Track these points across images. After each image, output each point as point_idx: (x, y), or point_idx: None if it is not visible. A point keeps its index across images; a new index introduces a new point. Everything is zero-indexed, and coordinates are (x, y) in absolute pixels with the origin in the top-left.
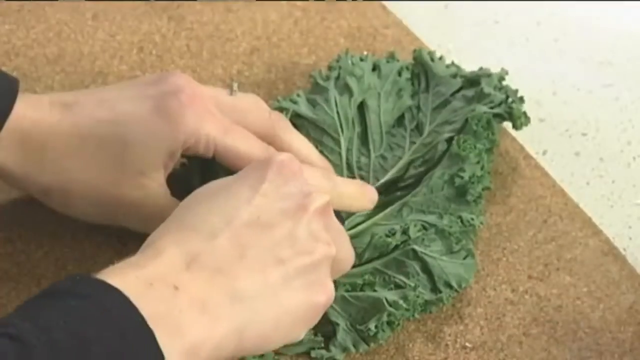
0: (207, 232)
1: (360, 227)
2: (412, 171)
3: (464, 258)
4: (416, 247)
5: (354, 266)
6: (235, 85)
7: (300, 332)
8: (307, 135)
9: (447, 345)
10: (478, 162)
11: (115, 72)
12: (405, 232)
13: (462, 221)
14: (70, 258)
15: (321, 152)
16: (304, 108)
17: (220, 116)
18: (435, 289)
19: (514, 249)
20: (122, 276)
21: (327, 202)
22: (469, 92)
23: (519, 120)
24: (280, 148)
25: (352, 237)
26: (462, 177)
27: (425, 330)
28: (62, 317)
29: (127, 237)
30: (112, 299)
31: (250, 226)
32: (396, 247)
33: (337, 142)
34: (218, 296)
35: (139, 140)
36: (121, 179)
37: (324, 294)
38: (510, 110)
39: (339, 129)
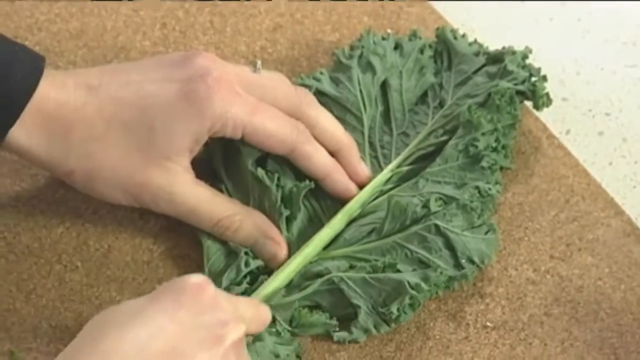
0: None
1: (376, 201)
2: (432, 140)
3: (486, 233)
4: (438, 222)
5: (375, 240)
6: (258, 63)
7: None
8: (330, 113)
9: (468, 324)
10: (493, 133)
11: (138, 48)
12: (425, 205)
13: (479, 192)
14: (91, 233)
15: (350, 125)
16: (327, 86)
17: (246, 96)
18: (457, 265)
19: (536, 229)
20: None
21: (243, 332)
22: (492, 69)
23: (541, 99)
24: (307, 124)
25: (370, 212)
26: (476, 147)
27: (446, 310)
28: None
29: (149, 214)
30: None
31: (164, 357)
32: (416, 220)
33: (360, 121)
34: None
35: (165, 125)
36: (146, 163)
37: None
38: (534, 88)
39: (362, 107)
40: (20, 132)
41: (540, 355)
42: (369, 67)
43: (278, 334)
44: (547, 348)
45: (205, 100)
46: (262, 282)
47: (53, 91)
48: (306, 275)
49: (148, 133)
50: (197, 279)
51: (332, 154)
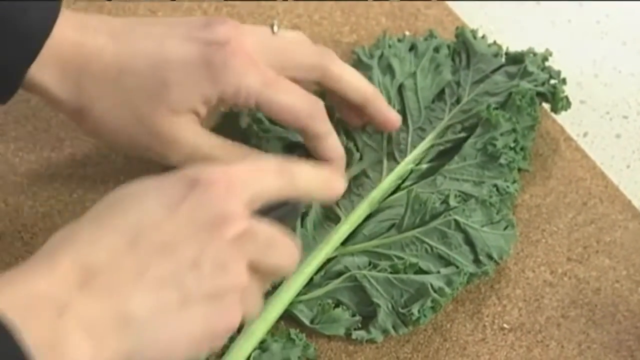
0: (109, 248)
1: (394, 196)
2: (450, 136)
3: (505, 229)
4: (458, 218)
5: (395, 235)
6: (275, 23)
7: (196, 356)
8: None
9: (485, 326)
10: (511, 133)
11: None
12: (445, 200)
13: (497, 189)
14: None
15: (363, 129)
16: None
17: (264, 68)
18: (477, 261)
19: (554, 231)
20: (10, 292)
21: (243, 230)
22: (512, 69)
23: (561, 102)
24: (330, 80)
25: (389, 207)
26: (494, 145)
27: (464, 311)
28: None
29: None
30: None
31: (156, 248)
32: (436, 215)
33: None
34: (108, 319)
35: (178, 82)
36: (154, 114)
37: (223, 323)
38: (554, 90)
39: None
40: (36, 70)
41: (557, 358)
42: (388, 69)
43: (292, 340)
44: (564, 350)
45: (221, 67)
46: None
47: (72, 32)
48: (327, 275)
49: (160, 86)
50: (209, 175)
51: (360, 107)
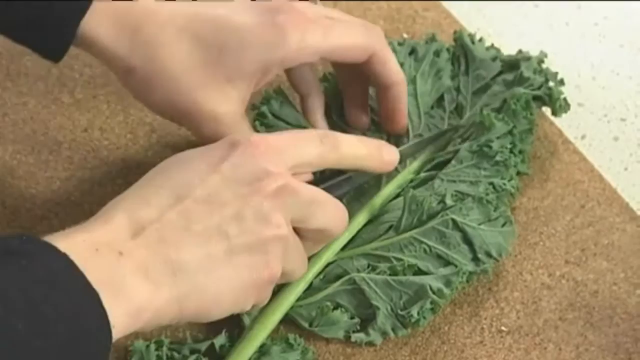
0: (158, 204)
1: (392, 202)
2: (451, 147)
3: (503, 225)
4: (455, 217)
5: (394, 236)
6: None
7: (242, 305)
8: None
9: (482, 328)
10: (507, 135)
11: None
12: (441, 200)
13: (494, 187)
14: None
15: (364, 133)
16: None
17: (318, 18)
18: (475, 259)
19: (551, 234)
20: (70, 240)
21: (284, 184)
22: (509, 76)
23: (558, 103)
24: (375, 67)
25: (387, 212)
26: (490, 147)
27: (462, 314)
28: (13, 276)
29: None
30: (58, 263)
31: (200, 203)
32: (433, 215)
33: (377, 124)
34: (160, 266)
35: (237, 47)
36: (207, 82)
37: (266, 272)
38: (550, 92)
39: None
40: (90, 24)
41: None
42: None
43: (290, 345)
44: (562, 353)
45: (281, 31)
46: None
47: None
48: (327, 278)
49: (218, 52)
50: (247, 138)
51: (385, 91)
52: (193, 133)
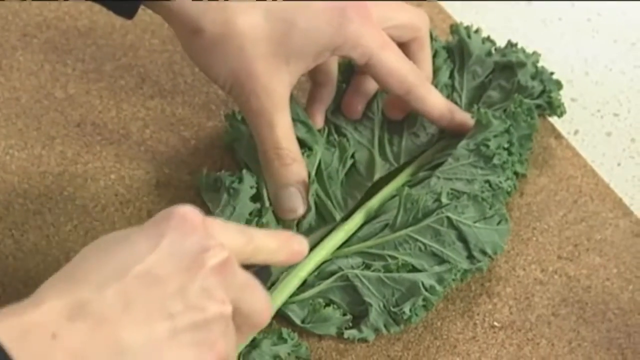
0: (95, 283)
1: (389, 202)
2: (449, 150)
3: (498, 223)
4: (450, 215)
5: (389, 234)
6: None
7: None
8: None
9: (475, 324)
10: (504, 134)
11: (147, 46)
12: (437, 199)
13: (490, 185)
14: (99, 231)
15: (354, 128)
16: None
17: (380, 30)
18: (470, 257)
19: (544, 229)
20: (2, 322)
21: (226, 258)
22: (505, 83)
23: (559, 109)
24: (416, 43)
25: (383, 212)
26: (487, 146)
27: (454, 309)
28: None
29: (157, 212)
30: None
31: (142, 279)
32: (428, 213)
33: (371, 120)
34: (98, 349)
35: (305, 25)
36: (269, 55)
37: (212, 353)
38: (550, 100)
39: (375, 108)
40: None
41: (547, 356)
42: None
43: (283, 340)
44: (555, 348)
45: (347, 20)
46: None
47: None
48: (320, 275)
49: (286, 28)
50: (183, 209)
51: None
52: (239, 105)
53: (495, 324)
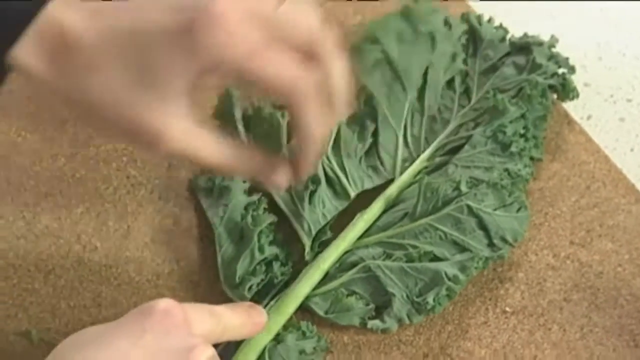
0: None
1: (407, 189)
2: (463, 132)
3: (517, 211)
4: (470, 203)
5: (409, 224)
6: None
7: None
8: (381, 77)
9: (487, 309)
10: (520, 119)
11: None
12: (456, 187)
13: (509, 173)
14: (111, 214)
15: (387, 97)
16: (392, 45)
17: (250, 36)
18: (491, 245)
19: (557, 214)
20: None
21: (211, 356)
22: (520, 60)
23: (572, 92)
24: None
25: (402, 200)
26: (504, 133)
27: (466, 294)
28: None
29: (168, 194)
30: None
31: None
32: (448, 201)
33: (405, 94)
34: None
35: (160, 61)
36: (142, 102)
37: None
38: (565, 82)
39: (405, 82)
40: (25, 52)
41: (559, 341)
42: (431, 40)
43: (303, 333)
44: (566, 334)
45: (201, 36)
46: (283, 274)
47: (59, 12)
48: (342, 267)
49: (143, 69)
50: (165, 304)
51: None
52: (149, 152)
53: (507, 309)
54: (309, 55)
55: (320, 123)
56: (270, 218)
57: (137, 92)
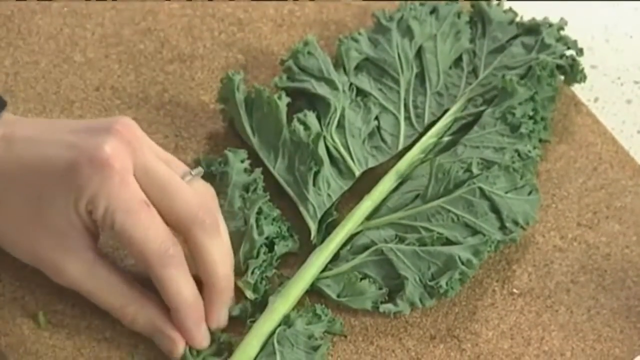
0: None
1: (417, 169)
2: (471, 109)
3: (529, 194)
4: (482, 185)
5: (420, 205)
6: (196, 170)
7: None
8: (368, 74)
9: (494, 291)
10: (529, 101)
11: (166, 11)
12: (468, 169)
13: (519, 154)
14: None
15: (380, 90)
16: (365, 47)
17: (133, 192)
18: (503, 227)
19: (564, 196)
20: None
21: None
22: (528, 40)
23: (580, 74)
24: (192, 249)
25: (411, 179)
26: (513, 114)
27: (473, 276)
28: None
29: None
30: None
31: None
32: (460, 183)
33: (397, 82)
34: None
35: (51, 197)
36: (41, 236)
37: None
38: (573, 62)
39: (399, 69)
40: None
41: (566, 323)
42: (408, 31)
43: (317, 316)
44: (574, 315)
45: (84, 178)
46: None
47: None
48: (354, 249)
49: (38, 203)
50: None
51: (203, 288)
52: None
53: (514, 290)
54: (183, 230)
55: (186, 294)
56: (265, 196)
57: (35, 227)
